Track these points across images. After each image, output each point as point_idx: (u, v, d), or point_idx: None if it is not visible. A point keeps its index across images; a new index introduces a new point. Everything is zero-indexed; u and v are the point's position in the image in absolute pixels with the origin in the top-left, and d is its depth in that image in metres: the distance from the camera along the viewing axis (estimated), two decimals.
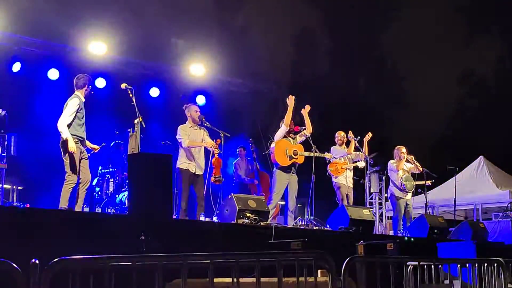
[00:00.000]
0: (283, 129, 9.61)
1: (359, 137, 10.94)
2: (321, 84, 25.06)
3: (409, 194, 11.07)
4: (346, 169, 10.70)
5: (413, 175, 11.19)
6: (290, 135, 9.70)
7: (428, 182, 11.68)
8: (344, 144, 10.92)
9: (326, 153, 10.11)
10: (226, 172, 10.61)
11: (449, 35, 26.65)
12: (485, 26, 28.00)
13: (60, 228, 5.90)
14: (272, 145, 9.66)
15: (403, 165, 11.04)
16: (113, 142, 10.62)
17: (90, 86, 7.98)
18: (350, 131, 10.89)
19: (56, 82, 12.25)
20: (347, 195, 10.63)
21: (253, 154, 11.71)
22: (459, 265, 5.61)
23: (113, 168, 10.40)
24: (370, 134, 11.03)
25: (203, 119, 9.44)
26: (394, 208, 11.12)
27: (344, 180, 10.54)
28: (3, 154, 9.15)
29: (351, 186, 10.81)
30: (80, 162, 7.56)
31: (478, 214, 15.28)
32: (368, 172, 12.84)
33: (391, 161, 11.21)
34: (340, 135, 10.93)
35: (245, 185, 11.51)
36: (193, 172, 8.83)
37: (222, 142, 9.18)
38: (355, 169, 11.03)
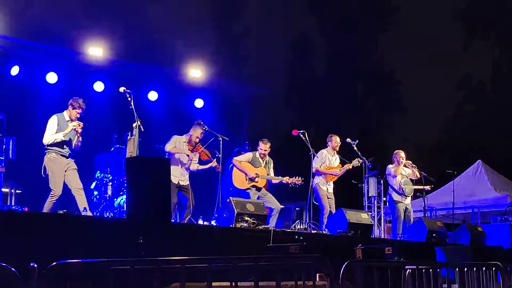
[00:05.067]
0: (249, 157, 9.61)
1: (357, 141, 10.88)
2: (318, 88, 25.15)
3: (408, 199, 11.05)
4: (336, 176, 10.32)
5: (411, 180, 11.17)
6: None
7: (427, 187, 11.67)
8: (336, 152, 10.32)
9: (296, 177, 9.67)
10: (226, 175, 10.58)
11: (447, 40, 26.75)
12: (482, 31, 28.12)
13: (58, 232, 5.90)
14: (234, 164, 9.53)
15: (401, 170, 11.02)
16: (113, 148, 10.60)
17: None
18: (348, 138, 10.68)
19: (55, 86, 12.23)
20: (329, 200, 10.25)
21: None
22: (457, 269, 5.61)
23: (110, 173, 10.35)
24: (359, 161, 10.29)
25: (201, 122, 9.45)
26: (394, 212, 11.10)
27: (332, 188, 10.25)
28: (1, 157, 9.13)
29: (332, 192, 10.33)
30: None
31: (476, 218, 15.28)
32: (366, 176, 12.82)
33: (390, 166, 11.18)
34: (336, 140, 10.26)
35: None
36: (176, 182, 8.83)
37: (220, 154, 9.22)
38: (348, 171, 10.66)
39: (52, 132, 7.84)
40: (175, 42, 13.83)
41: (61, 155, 7.88)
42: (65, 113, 8.02)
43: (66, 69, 12.46)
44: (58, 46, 12.40)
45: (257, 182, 9.44)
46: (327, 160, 10.07)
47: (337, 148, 10.27)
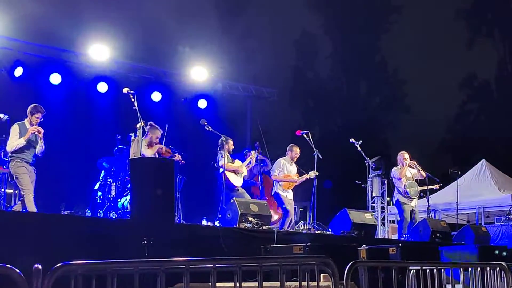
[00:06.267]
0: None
1: (361, 141, 10.87)
2: (322, 88, 25.16)
3: (414, 200, 11.00)
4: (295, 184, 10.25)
5: (416, 180, 11.13)
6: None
7: (436, 186, 11.65)
8: (294, 162, 10.27)
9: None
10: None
11: (451, 39, 26.71)
12: (486, 30, 28.06)
13: (62, 232, 5.90)
14: (221, 170, 9.51)
15: (406, 171, 10.97)
16: (117, 148, 10.61)
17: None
18: (352, 139, 10.72)
19: (58, 87, 12.24)
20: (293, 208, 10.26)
21: (258, 157, 11.68)
22: (461, 269, 5.60)
23: (114, 174, 10.35)
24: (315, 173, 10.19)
25: (205, 123, 9.44)
26: (401, 213, 11.07)
27: (291, 195, 10.25)
28: (5, 158, 9.16)
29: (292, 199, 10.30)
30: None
31: (481, 218, 15.25)
32: (370, 176, 12.81)
33: (395, 168, 11.15)
34: (296, 151, 10.20)
35: (248, 188, 11.48)
36: None
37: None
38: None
39: (14, 140, 7.94)
40: (178, 43, 13.84)
41: (25, 161, 7.99)
42: (26, 121, 8.12)
43: (70, 70, 12.47)
44: (61, 47, 12.42)
45: (243, 172, 9.79)
46: (285, 168, 10.12)
47: (295, 159, 10.28)
